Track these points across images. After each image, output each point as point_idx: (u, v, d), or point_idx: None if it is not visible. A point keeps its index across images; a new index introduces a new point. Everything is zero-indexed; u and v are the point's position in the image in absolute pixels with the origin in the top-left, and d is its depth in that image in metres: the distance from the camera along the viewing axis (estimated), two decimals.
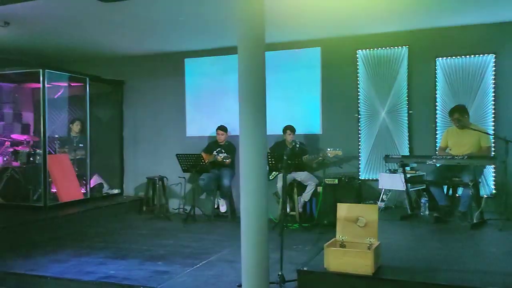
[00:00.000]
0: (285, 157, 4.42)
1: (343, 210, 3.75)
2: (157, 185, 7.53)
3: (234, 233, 5.67)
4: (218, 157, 6.86)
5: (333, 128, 6.88)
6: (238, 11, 3.25)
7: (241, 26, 3.24)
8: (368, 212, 3.68)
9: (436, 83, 6.36)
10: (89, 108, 7.44)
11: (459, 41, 6.25)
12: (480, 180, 5.35)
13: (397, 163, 5.72)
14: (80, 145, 7.46)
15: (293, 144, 6.59)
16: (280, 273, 3.77)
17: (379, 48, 6.64)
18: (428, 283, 3.28)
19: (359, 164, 6.74)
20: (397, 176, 5.80)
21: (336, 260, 3.46)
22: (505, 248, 4.19)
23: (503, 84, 6.06)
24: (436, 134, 6.35)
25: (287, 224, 6.17)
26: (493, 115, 6.07)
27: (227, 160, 6.89)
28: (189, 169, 6.78)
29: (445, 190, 5.61)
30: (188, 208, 7.04)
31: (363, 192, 6.53)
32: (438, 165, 5.67)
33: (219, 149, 7.02)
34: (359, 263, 3.38)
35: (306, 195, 6.54)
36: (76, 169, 7.29)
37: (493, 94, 6.08)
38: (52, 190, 6.89)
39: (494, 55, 6.07)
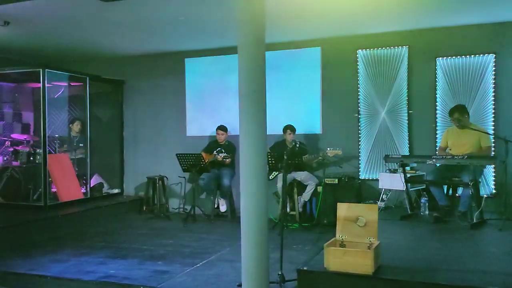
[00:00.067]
0: (285, 157, 4.42)
1: (343, 209, 3.75)
2: (157, 185, 7.54)
3: (234, 233, 5.68)
4: (218, 157, 6.86)
5: (333, 128, 6.88)
6: (239, 11, 3.25)
7: (241, 26, 3.24)
8: (368, 212, 3.68)
9: (436, 83, 6.36)
10: (89, 108, 7.45)
11: (459, 41, 6.25)
12: (480, 180, 5.36)
13: (397, 163, 5.72)
14: (80, 144, 7.46)
15: (293, 143, 6.60)
16: (280, 273, 3.78)
17: (379, 48, 6.64)
18: (428, 283, 3.28)
19: (359, 164, 6.75)
20: (397, 176, 5.80)
21: (336, 259, 3.46)
22: (505, 248, 4.19)
23: (503, 84, 6.06)
24: (436, 134, 6.36)
25: (287, 224, 6.17)
26: (493, 115, 6.08)
27: (227, 160, 6.89)
28: (189, 168, 6.79)
29: (445, 190, 5.62)
30: (188, 207, 7.04)
31: (363, 192, 6.53)
32: (438, 165, 5.67)
33: (219, 148, 7.02)
34: (359, 262, 3.38)
35: (306, 195, 6.54)
36: (76, 169, 7.29)
37: (493, 94, 6.08)
38: (52, 189, 6.89)
39: (494, 55, 6.07)
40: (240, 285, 3.36)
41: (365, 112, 6.74)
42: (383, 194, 6.19)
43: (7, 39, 6.65)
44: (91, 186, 7.53)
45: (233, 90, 7.04)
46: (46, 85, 6.69)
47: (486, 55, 6.11)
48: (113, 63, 8.20)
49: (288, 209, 6.55)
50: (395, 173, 5.98)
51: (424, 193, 5.87)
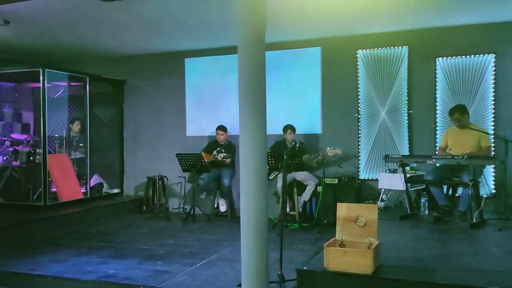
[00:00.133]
0: (285, 157, 4.42)
1: (343, 209, 3.75)
2: (157, 185, 7.54)
3: (234, 233, 5.69)
4: (218, 157, 6.86)
5: (333, 127, 6.88)
6: (239, 10, 3.25)
7: (241, 25, 3.24)
8: (368, 212, 3.68)
9: (436, 83, 6.36)
10: (89, 108, 7.45)
11: (459, 41, 6.25)
12: (479, 180, 5.35)
13: (397, 163, 5.72)
14: (80, 144, 7.46)
15: (293, 143, 6.60)
16: (279, 273, 3.78)
17: (379, 48, 6.64)
18: (427, 283, 3.28)
19: (359, 163, 6.75)
20: (397, 176, 5.80)
21: (335, 259, 3.46)
22: (504, 248, 4.19)
23: (503, 84, 6.06)
24: (436, 134, 6.36)
25: (286, 224, 6.17)
26: (493, 115, 6.08)
27: (227, 160, 6.89)
28: (189, 168, 6.79)
29: (444, 190, 5.61)
30: (188, 207, 7.04)
31: (363, 191, 6.53)
32: (438, 165, 5.67)
33: (219, 148, 7.02)
34: (359, 262, 3.38)
35: (306, 195, 6.54)
36: (76, 169, 7.29)
37: (493, 94, 6.08)
38: (52, 189, 6.89)
39: (494, 55, 6.07)
40: (240, 285, 3.37)
41: (365, 112, 6.74)
42: (383, 194, 6.19)
43: (7, 39, 6.65)
44: (91, 186, 7.53)
45: (233, 90, 7.05)
46: (46, 84, 6.69)
47: (486, 55, 6.11)
48: (113, 63, 8.20)
49: (288, 209, 6.55)
50: (395, 173, 5.98)
51: (424, 193, 5.86)
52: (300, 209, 6.63)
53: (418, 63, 6.48)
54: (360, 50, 6.73)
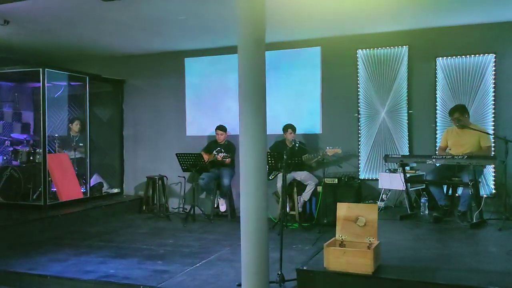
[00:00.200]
0: (284, 157, 4.42)
1: (343, 209, 3.75)
2: (157, 185, 7.54)
3: (233, 233, 5.69)
4: (218, 156, 6.86)
5: (333, 127, 6.88)
6: (239, 10, 3.25)
7: (241, 25, 3.24)
8: (368, 212, 3.68)
9: (436, 83, 6.36)
10: (89, 107, 7.45)
11: (459, 41, 6.25)
12: (479, 180, 5.35)
13: (397, 163, 5.72)
14: (80, 144, 7.46)
15: (293, 143, 6.60)
16: (279, 273, 3.78)
17: (379, 48, 6.64)
18: (427, 283, 3.28)
19: (359, 163, 6.75)
20: (397, 175, 5.80)
21: (335, 259, 3.46)
22: (504, 248, 4.19)
23: (503, 84, 6.06)
24: (436, 134, 6.36)
25: (286, 224, 6.16)
26: (493, 115, 6.08)
27: (227, 160, 6.89)
28: (189, 168, 6.79)
29: (444, 190, 5.61)
30: (188, 207, 7.04)
31: (362, 191, 6.53)
32: (437, 164, 5.67)
33: (219, 148, 7.02)
34: (359, 262, 3.38)
35: (306, 195, 6.54)
36: (76, 168, 7.29)
37: (493, 94, 6.08)
38: (52, 189, 6.89)
39: (494, 55, 6.07)
40: (239, 284, 3.36)
41: (365, 112, 6.74)
42: (383, 194, 6.19)
43: (7, 38, 6.65)
44: (91, 185, 7.53)
45: (233, 90, 7.05)
46: (46, 84, 6.69)
47: (486, 55, 6.11)
48: (113, 62, 8.20)
49: (288, 209, 6.55)
50: (395, 173, 5.98)
51: (424, 193, 5.86)
52: (300, 209, 6.63)
53: (418, 63, 6.48)
54: (360, 50, 6.72)
